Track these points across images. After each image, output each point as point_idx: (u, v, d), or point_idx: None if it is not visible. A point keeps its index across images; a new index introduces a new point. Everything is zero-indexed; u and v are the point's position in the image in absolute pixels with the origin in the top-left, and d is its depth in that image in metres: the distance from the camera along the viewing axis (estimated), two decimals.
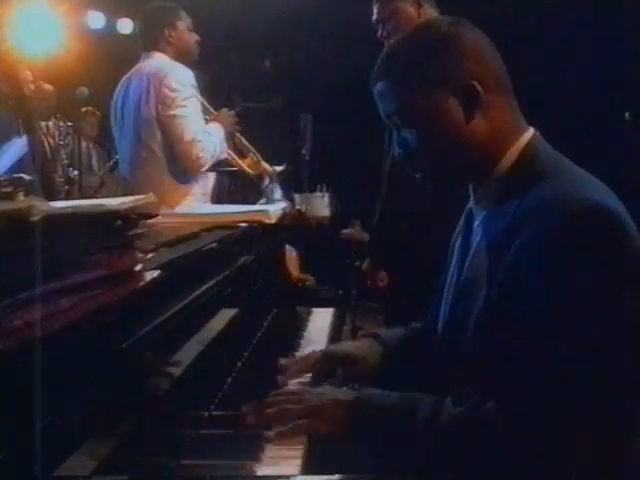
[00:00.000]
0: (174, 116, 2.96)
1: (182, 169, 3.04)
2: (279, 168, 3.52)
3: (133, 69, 3.16)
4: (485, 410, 1.10)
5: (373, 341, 1.54)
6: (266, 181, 3.43)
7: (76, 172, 3.58)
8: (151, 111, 2.98)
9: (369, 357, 1.51)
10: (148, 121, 2.99)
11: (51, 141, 4.05)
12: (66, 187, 3.55)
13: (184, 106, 2.97)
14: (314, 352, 1.60)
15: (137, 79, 3.07)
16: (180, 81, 2.98)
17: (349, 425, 1.17)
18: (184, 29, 3.15)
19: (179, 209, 2.59)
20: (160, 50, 3.11)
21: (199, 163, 3.01)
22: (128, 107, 3.09)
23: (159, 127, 2.99)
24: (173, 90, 2.96)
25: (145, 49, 3.14)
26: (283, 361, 1.55)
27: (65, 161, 4.08)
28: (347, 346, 1.62)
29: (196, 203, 3.04)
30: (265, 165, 3.41)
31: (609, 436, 1.05)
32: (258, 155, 3.40)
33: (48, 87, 4.83)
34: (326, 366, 1.52)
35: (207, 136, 3.03)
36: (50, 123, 4.54)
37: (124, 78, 3.18)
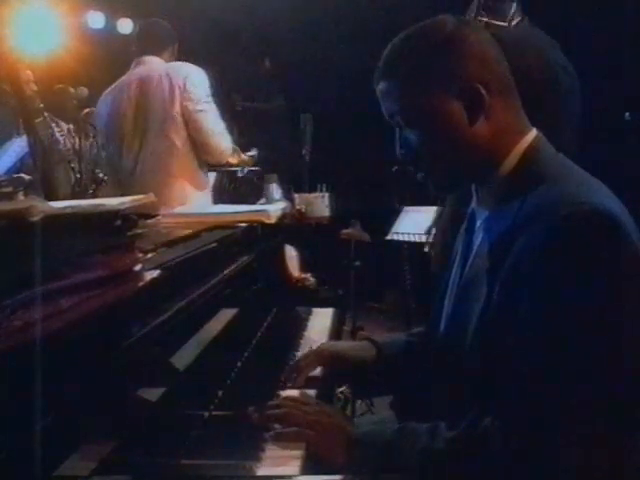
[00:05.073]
0: (203, 111, 3.19)
1: (206, 162, 3.31)
2: (250, 153, 3.79)
3: (138, 69, 3.32)
4: (482, 428, 1.10)
5: (368, 344, 1.54)
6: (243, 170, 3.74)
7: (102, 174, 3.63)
8: (176, 108, 3.18)
9: (361, 359, 1.51)
10: (173, 117, 3.19)
11: (74, 141, 4.05)
12: (93, 186, 3.58)
13: (209, 102, 3.22)
14: (308, 354, 1.59)
15: (152, 78, 3.23)
16: (202, 80, 3.23)
17: (347, 460, 1.16)
18: None
19: (179, 209, 2.61)
20: (160, 57, 3.34)
21: (226, 155, 3.31)
22: (151, 106, 3.23)
23: (184, 123, 3.19)
24: (198, 87, 3.19)
25: (145, 52, 3.33)
26: (283, 376, 1.51)
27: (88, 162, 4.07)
28: (340, 345, 1.63)
29: (208, 197, 3.34)
30: (242, 155, 3.64)
31: (609, 449, 1.04)
32: (235, 146, 3.59)
33: (71, 89, 4.84)
34: (318, 364, 1.52)
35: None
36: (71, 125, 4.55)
37: (128, 79, 3.32)
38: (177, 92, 3.18)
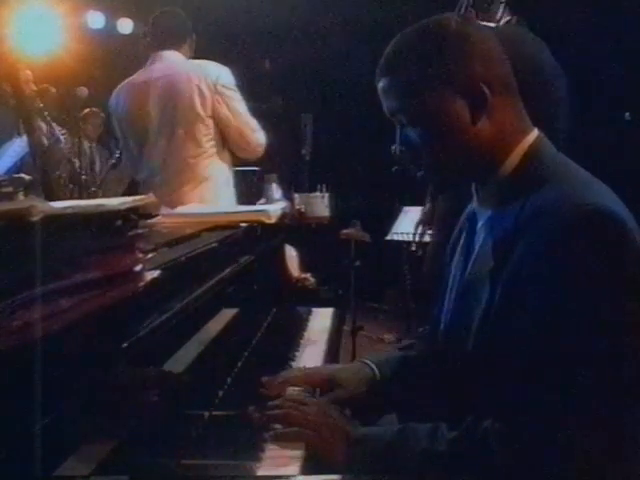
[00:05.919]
0: (239, 109, 3.15)
1: (241, 156, 3.27)
2: None
3: (158, 66, 3.18)
4: (483, 429, 1.09)
5: (363, 366, 1.46)
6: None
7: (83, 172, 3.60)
8: (208, 109, 3.10)
9: (354, 382, 1.43)
10: (203, 119, 3.11)
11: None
12: (71, 186, 3.57)
13: (242, 100, 3.19)
14: (298, 369, 1.54)
15: (180, 77, 3.12)
16: (232, 80, 3.18)
17: (347, 460, 1.15)
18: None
19: (180, 209, 2.61)
20: (179, 51, 3.22)
21: (262, 149, 3.24)
22: (180, 105, 3.13)
23: (214, 124, 3.13)
24: (230, 88, 3.15)
25: (162, 47, 3.19)
26: (265, 379, 1.43)
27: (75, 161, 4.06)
28: (332, 368, 1.54)
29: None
30: None
31: (610, 450, 1.04)
32: None
33: (52, 89, 4.83)
34: (308, 385, 1.44)
35: None
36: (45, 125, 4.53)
37: (150, 76, 3.18)
38: (208, 93, 3.09)
